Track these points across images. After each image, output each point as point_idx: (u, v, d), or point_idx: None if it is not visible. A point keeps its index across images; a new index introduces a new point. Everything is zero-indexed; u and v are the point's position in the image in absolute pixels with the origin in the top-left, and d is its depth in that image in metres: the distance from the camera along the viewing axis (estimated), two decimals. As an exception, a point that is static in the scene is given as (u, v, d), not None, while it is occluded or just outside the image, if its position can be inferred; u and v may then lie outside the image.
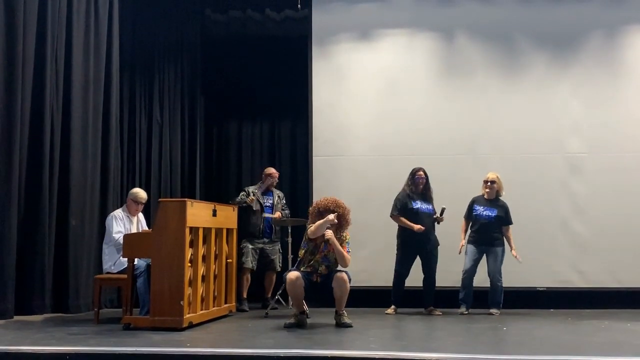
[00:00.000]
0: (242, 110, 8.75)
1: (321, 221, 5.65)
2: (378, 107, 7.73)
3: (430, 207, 6.80)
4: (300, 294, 5.59)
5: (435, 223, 6.81)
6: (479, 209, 6.79)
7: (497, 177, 6.84)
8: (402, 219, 6.73)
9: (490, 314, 6.57)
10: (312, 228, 5.68)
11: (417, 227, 6.61)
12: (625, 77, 7.55)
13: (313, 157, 7.76)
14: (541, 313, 6.70)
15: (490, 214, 6.73)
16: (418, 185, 6.79)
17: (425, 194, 6.83)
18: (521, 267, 7.10)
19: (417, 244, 6.72)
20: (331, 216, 5.68)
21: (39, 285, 6.26)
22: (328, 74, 7.84)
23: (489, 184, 6.82)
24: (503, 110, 7.59)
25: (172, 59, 8.25)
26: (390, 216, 6.82)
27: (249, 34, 8.57)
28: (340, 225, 5.77)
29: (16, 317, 5.94)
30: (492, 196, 6.81)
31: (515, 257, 6.69)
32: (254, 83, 8.58)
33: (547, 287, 7.30)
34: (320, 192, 7.61)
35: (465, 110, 7.60)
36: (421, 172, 6.82)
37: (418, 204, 6.75)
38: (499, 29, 7.69)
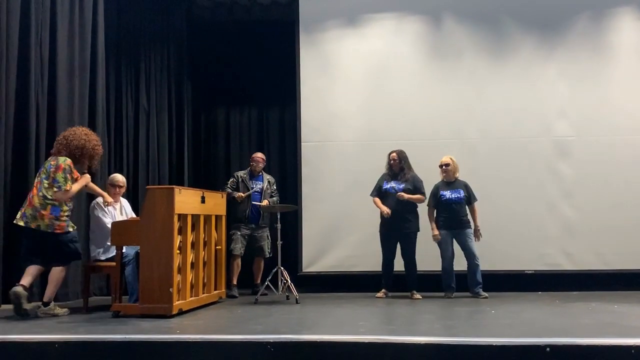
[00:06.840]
0: (230, 97, 8.70)
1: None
2: (366, 93, 7.70)
3: (402, 187, 6.77)
4: None
5: None
6: (446, 194, 6.82)
7: (451, 159, 6.92)
8: (377, 199, 6.81)
9: (480, 296, 6.59)
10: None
11: (385, 211, 6.65)
12: (612, 59, 7.56)
13: (302, 143, 7.73)
14: (529, 296, 6.74)
15: (458, 195, 6.79)
16: (392, 167, 6.83)
17: (398, 175, 6.83)
18: (509, 251, 7.17)
19: (390, 226, 6.72)
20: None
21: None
22: (316, 59, 7.80)
23: (444, 167, 6.88)
24: (490, 94, 7.58)
25: (159, 44, 8.17)
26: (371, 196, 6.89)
27: (235, 20, 8.53)
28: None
29: (4, 306, 5.91)
30: (451, 178, 6.88)
31: (477, 232, 6.77)
32: (242, 69, 8.54)
33: (535, 270, 7.34)
34: (309, 179, 7.63)
35: (453, 94, 7.59)
36: (394, 154, 6.86)
37: (388, 184, 6.80)
38: (486, 11, 7.68)
